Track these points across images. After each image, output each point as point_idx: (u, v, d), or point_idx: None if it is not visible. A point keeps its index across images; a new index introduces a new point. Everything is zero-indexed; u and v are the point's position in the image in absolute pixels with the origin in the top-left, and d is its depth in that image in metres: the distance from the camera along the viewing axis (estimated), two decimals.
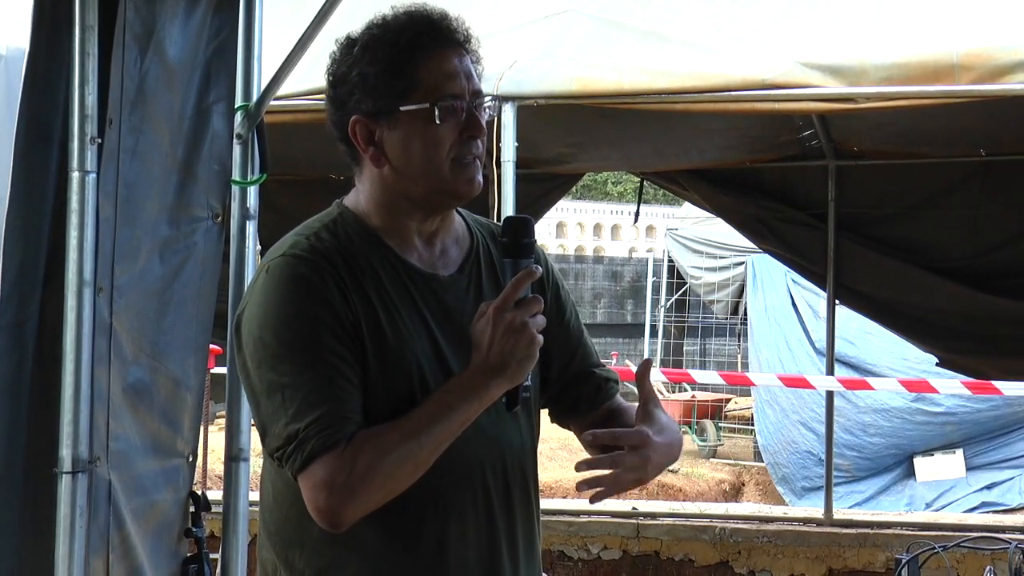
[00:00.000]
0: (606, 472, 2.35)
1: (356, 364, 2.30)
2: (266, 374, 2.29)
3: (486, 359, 2.26)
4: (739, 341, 18.69)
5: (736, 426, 18.17)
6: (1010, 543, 4.57)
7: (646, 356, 18.68)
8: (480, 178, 2.43)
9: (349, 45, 2.42)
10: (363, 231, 2.42)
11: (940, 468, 13.80)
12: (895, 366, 13.32)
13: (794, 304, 14.54)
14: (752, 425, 17.55)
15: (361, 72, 2.38)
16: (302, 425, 2.24)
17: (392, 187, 2.42)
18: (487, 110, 2.45)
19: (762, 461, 15.87)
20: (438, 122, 2.36)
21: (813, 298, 13.84)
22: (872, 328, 12.77)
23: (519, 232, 2.38)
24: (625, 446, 2.37)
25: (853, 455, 13.60)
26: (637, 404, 2.47)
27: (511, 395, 2.33)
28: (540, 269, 2.33)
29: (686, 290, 18.48)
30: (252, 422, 2.93)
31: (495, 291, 2.37)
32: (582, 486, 2.38)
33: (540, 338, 2.28)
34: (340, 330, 2.29)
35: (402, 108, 2.36)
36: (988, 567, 4.58)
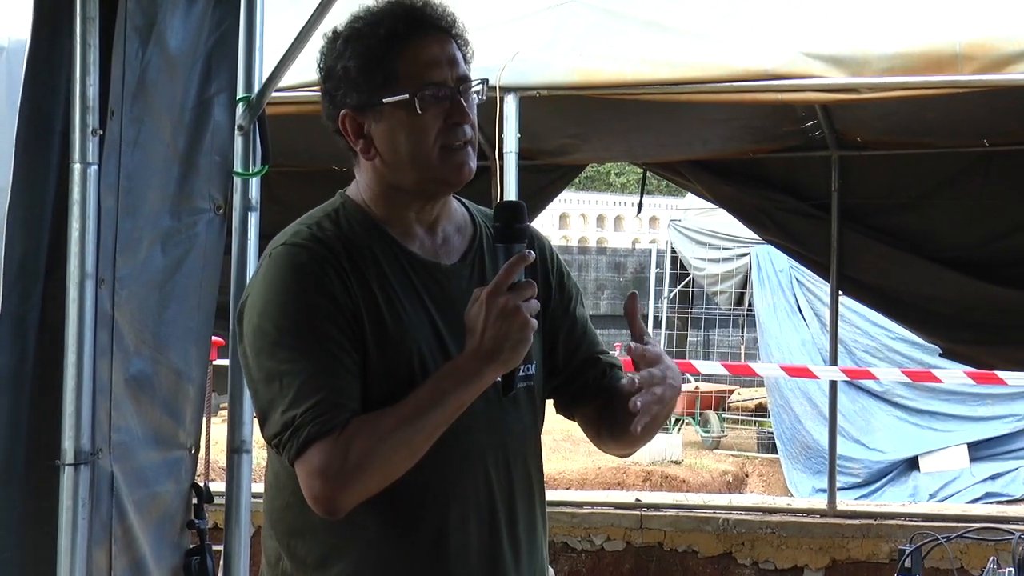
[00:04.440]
0: (644, 395, 2.31)
1: (355, 352, 2.30)
2: (265, 362, 2.30)
3: (480, 344, 2.26)
4: (742, 332, 18.68)
5: (739, 417, 18.16)
6: (1014, 534, 4.56)
7: None
8: (472, 164, 2.42)
9: (334, 38, 2.43)
10: (365, 220, 2.42)
11: (944, 459, 13.80)
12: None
13: (799, 309, 14.56)
14: (754, 416, 17.59)
15: (344, 66, 2.39)
16: (299, 412, 2.24)
17: (385, 178, 2.42)
18: (476, 94, 2.44)
19: (765, 452, 15.91)
20: (419, 112, 2.35)
21: (818, 304, 13.91)
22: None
23: (511, 217, 2.37)
24: (642, 367, 2.34)
25: (865, 460, 13.66)
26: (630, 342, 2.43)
27: (507, 380, 2.33)
28: (533, 254, 2.32)
29: (689, 281, 18.45)
30: (254, 414, 2.93)
31: None
32: (635, 426, 2.33)
33: (534, 322, 2.27)
34: (339, 318, 2.30)
35: (384, 100, 2.37)
36: (992, 558, 4.57)
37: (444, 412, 2.27)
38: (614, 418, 2.52)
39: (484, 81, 2.48)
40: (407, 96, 2.35)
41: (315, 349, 2.27)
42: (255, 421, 3.27)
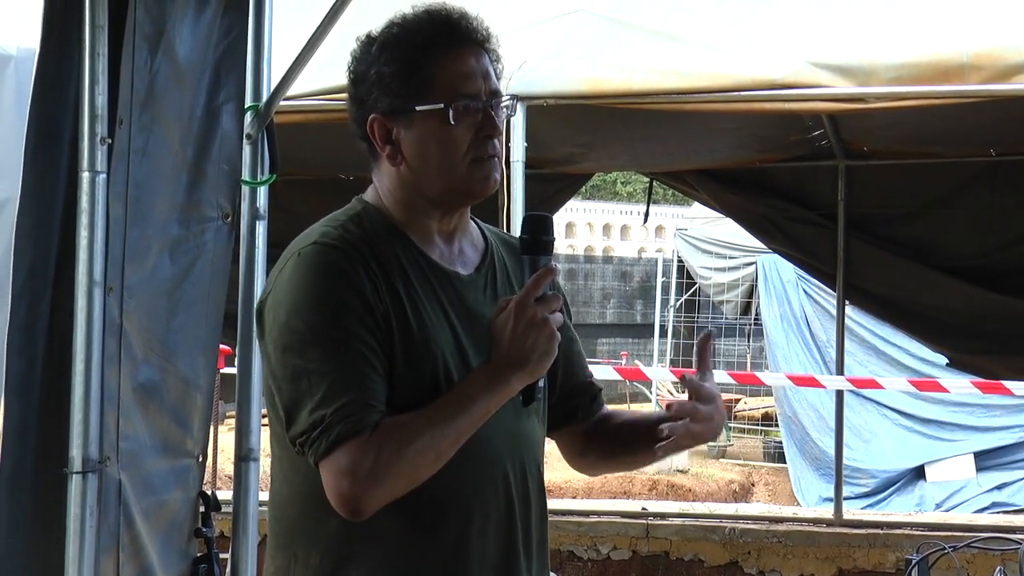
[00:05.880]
0: (681, 424, 2.39)
1: (383, 354, 2.30)
2: (292, 359, 2.29)
3: (507, 352, 2.28)
4: (748, 341, 18.68)
5: (746, 426, 18.14)
6: (1020, 543, 4.56)
7: (655, 356, 18.71)
8: (497, 176, 2.44)
9: (368, 43, 2.44)
10: (387, 225, 2.43)
11: (950, 469, 13.79)
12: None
13: (806, 318, 14.56)
14: (760, 425, 17.59)
15: (379, 71, 2.40)
16: (328, 411, 2.23)
17: (409, 185, 2.43)
18: (504, 109, 2.46)
19: (772, 461, 15.90)
20: (452, 123, 2.36)
21: (824, 313, 13.91)
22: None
23: (539, 229, 2.39)
24: (697, 397, 2.42)
25: (872, 470, 13.66)
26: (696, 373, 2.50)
27: (528, 391, 2.34)
28: (559, 267, 2.34)
29: (696, 290, 18.46)
30: (262, 422, 2.93)
31: (510, 294, 2.38)
32: (662, 435, 2.40)
33: (559, 335, 2.29)
34: (369, 319, 2.30)
35: (417, 108, 2.37)
36: (998, 567, 4.57)
37: (471, 418, 2.28)
38: (609, 440, 2.64)
39: (513, 99, 2.51)
40: (441, 106, 2.36)
41: (345, 349, 2.27)
42: (263, 429, 3.28)
